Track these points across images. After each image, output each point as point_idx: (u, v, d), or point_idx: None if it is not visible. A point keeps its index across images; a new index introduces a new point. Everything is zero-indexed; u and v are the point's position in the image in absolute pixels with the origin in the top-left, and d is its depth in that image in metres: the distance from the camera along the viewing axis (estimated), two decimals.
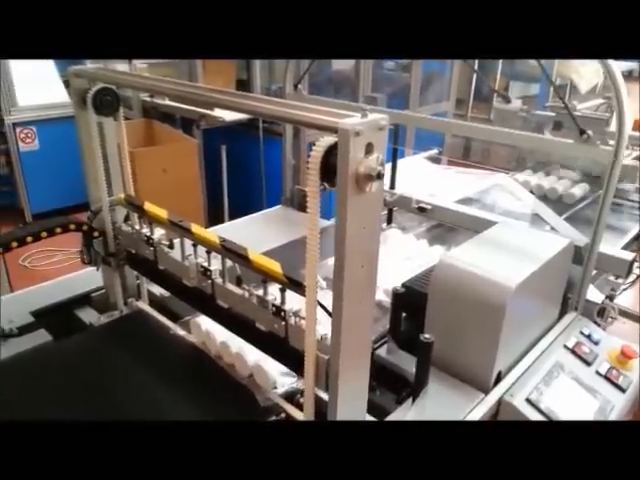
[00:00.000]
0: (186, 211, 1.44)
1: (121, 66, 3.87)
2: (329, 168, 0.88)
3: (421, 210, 2.12)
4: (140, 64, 4.49)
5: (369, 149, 0.87)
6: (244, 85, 4.68)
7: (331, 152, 0.87)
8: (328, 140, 0.88)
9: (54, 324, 1.63)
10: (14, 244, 1.37)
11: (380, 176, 0.87)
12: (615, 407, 1.43)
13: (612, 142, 1.55)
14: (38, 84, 4.74)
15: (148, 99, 4.48)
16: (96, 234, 1.59)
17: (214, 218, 4.12)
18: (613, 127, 2.47)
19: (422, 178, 2.58)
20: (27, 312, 1.65)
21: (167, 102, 4.40)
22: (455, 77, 5.30)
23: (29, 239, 1.40)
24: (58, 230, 1.48)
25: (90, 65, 1.53)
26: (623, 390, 1.48)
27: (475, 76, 6.60)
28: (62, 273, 1.96)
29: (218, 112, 3.95)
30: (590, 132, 1.59)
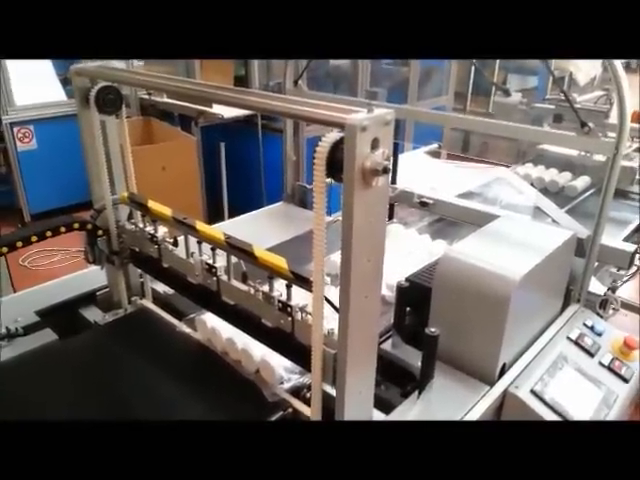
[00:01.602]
0: (185, 209, 1.44)
1: (117, 64, 3.85)
2: (335, 163, 0.88)
3: (423, 205, 2.12)
4: (137, 62, 4.48)
5: (375, 144, 0.87)
6: (242, 82, 4.66)
7: (337, 147, 0.88)
8: (334, 136, 0.88)
9: (59, 323, 1.63)
10: (19, 244, 1.37)
11: (386, 171, 0.88)
12: (619, 397, 1.44)
13: (612, 134, 1.56)
14: (35, 83, 4.72)
15: (146, 97, 4.46)
16: (100, 233, 1.60)
17: (213, 215, 4.12)
18: (612, 119, 2.49)
19: (423, 173, 2.58)
20: (32, 311, 1.65)
21: (165, 100, 4.39)
22: (454, 71, 5.30)
23: (34, 238, 1.41)
24: (62, 229, 1.48)
25: (91, 63, 1.53)
26: (626, 380, 1.49)
27: (474, 70, 6.60)
28: (63, 272, 1.95)
29: (216, 109, 3.94)
30: (591, 124, 1.59)
